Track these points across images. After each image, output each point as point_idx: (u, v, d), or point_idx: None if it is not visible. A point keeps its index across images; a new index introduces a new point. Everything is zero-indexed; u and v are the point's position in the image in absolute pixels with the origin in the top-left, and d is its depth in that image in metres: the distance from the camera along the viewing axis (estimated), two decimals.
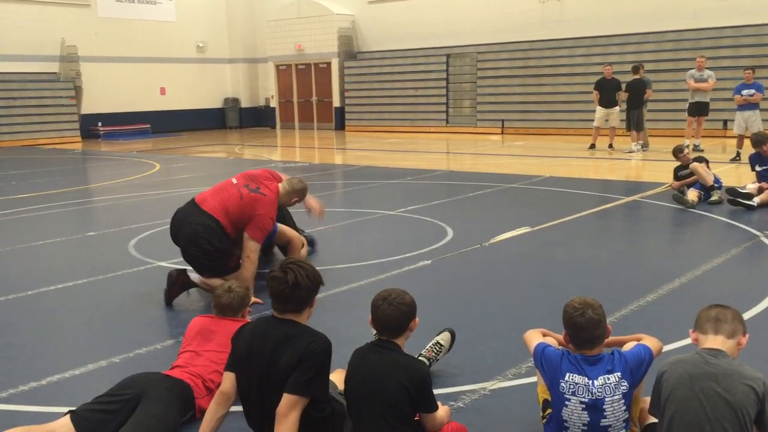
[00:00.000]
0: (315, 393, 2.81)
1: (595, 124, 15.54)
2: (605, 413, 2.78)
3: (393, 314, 2.89)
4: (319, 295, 3.01)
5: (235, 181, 5.47)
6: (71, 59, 21.91)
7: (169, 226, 5.51)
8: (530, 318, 4.38)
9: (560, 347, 3.00)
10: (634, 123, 14.74)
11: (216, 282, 4.99)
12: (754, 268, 6.12)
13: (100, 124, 22.64)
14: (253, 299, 4.86)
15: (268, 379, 2.84)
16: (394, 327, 2.91)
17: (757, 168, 8.91)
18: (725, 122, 16.52)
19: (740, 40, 17.37)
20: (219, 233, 5.20)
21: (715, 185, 8.80)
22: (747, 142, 10.93)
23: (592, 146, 15.39)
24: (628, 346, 3.01)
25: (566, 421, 2.82)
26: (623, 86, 15.06)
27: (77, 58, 21.93)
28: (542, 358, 2.92)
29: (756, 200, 8.28)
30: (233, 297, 3.78)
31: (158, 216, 8.14)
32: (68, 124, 21.95)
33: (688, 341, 4.01)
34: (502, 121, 21.02)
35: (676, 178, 9.26)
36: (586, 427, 2.79)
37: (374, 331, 3.01)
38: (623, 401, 2.80)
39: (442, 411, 2.97)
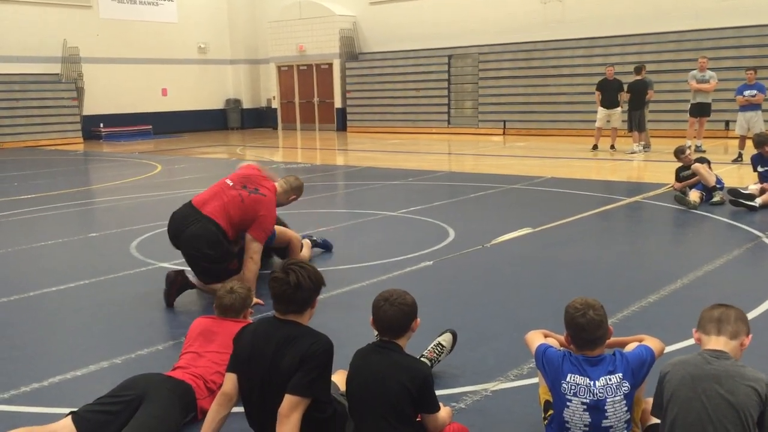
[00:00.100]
0: (317, 394, 2.81)
1: (596, 124, 15.54)
2: (607, 414, 2.77)
3: (395, 315, 2.89)
4: (320, 296, 3.01)
5: (230, 182, 5.41)
6: (73, 60, 21.94)
7: (167, 229, 5.44)
8: (532, 319, 4.37)
9: (562, 348, 3.00)
10: (636, 124, 14.73)
11: (216, 286, 4.99)
12: (756, 269, 6.11)
13: (101, 125, 22.67)
14: (255, 300, 4.85)
15: (270, 380, 2.84)
16: (395, 328, 2.91)
17: (759, 169, 8.90)
18: (727, 123, 16.50)
19: (742, 41, 17.36)
20: (220, 237, 5.18)
21: (717, 186, 8.79)
22: (749, 143, 10.93)
23: (595, 147, 15.38)
24: (630, 347, 3.00)
25: (568, 422, 2.82)
26: (625, 87, 15.05)
27: (79, 59, 21.96)
28: (544, 359, 2.91)
29: (758, 201, 8.27)
30: (235, 298, 3.78)
31: (160, 217, 8.14)
32: (70, 125, 21.99)
33: (689, 342, 4.01)
34: (504, 122, 21.01)
35: (678, 179, 9.26)
36: (587, 428, 2.79)
37: (375, 332, 3.01)
38: (625, 402, 2.80)
39: (444, 412, 2.97)
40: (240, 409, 3.05)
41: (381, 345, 2.94)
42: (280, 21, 25.03)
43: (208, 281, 5.19)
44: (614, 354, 2.88)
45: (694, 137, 14.58)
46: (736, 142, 13.55)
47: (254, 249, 5.29)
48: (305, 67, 25.27)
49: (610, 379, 2.79)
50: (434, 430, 2.92)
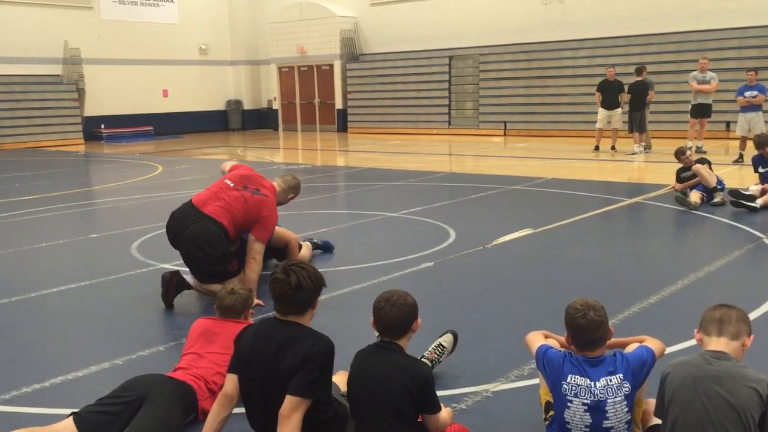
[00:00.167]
0: (318, 395, 2.82)
1: (597, 125, 15.54)
2: (607, 415, 2.77)
3: (396, 315, 2.89)
4: (321, 297, 3.02)
5: (231, 183, 5.42)
6: (74, 61, 21.97)
7: (165, 228, 5.42)
8: (532, 320, 4.38)
9: (562, 349, 3.00)
10: (637, 124, 14.73)
11: (214, 287, 4.99)
12: (757, 270, 6.11)
13: (102, 126, 22.68)
14: (256, 301, 4.86)
15: (271, 381, 2.84)
16: (396, 328, 2.91)
17: (760, 170, 8.90)
18: (728, 124, 16.50)
19: (744, 42, 17.36)
20: (222, 237, 5.18)
21: (718, 187, 8.79)
22: (750, 144, 10.93)
23: (596, 148, 15.38)
24: (631, 348, 3.01)
25: (569, 423, 2.82)
26: (626, 88, 15.05)
27: (80, 60, 21.99)
28: (544, 360, 2.92)
29: (759, 202, 8.27)
30: (236, 299, 3.79)
31: (161, 218, 8.11)
32: (71, 127, 22.01)
33: (690, 343, 4.01)
34: (505, 123, 21.01)
35: (679, 179, 9.26)
36: (588, 429, 2.79)
37: (376, 333, 3.01)
38: (625, 403, 2.80)
39: (445, 413, 2.97)
40: (241, 409, 3.06)
41: (382, 346, 2.94)
42: (280, 22, 25.04)
43: (207, 282, 5.18)
44: (615, 355, 2.88)
45: (695, 138, 14.57)
46: (736, 143, 13.54)
47: (257, 249, 5.31)
48: (306, 68, 25.28)
49: (610, 380, 2.79)
50: (435, 431, 2.92)
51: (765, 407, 2.49)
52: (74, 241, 7.81)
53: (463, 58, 22.03)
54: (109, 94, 22.85)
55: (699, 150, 13.98)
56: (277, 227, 5.82)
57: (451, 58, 22.13)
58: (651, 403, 3.00)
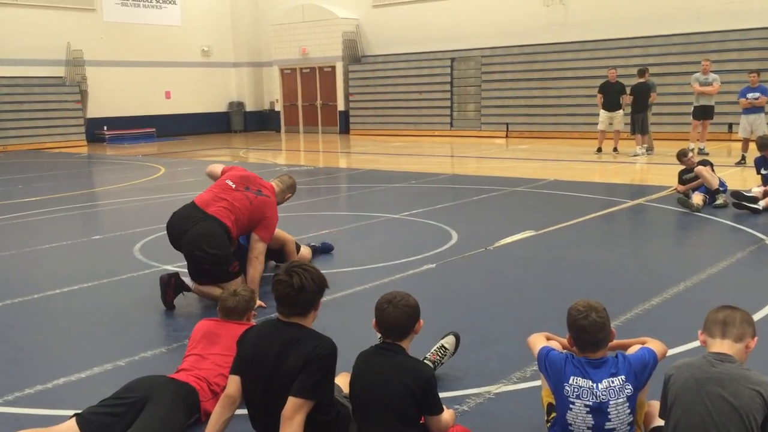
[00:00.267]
0: (320, 396, 2.82)
1: (599, 127, 15.53)
2: (609, 416, 2.77)
3: (398, 317, 2.90)
4: (323, 299, 3.02)
5: (232, 184, 5.43)
6: (77, 63, 22.01)
7: (166, 229, 5.42)
8: (534, 321, 4.38)
9: (564, 351, 3.00)
10: (639, 126, 14.72)
11: (214, 290, 4.99)
12: (759, 272, 6.10)
13: (105, 128, 22.72)
14: (258, 303, 4.86)
15: (273, 383, 2.85)
16: (399, 329, 2.92)
17: (763, 171, 8.89)
18: (730, 125, 16.48)
19: (746, 44, 17.34)
20: (225, 237, 5.20)
21: (720, 189, 8.78)
22: (752, 146, 10.91)
23: (599, 150, 15.37)
24: (633, 350, 3.01)
25: (571, 425, 2.82)
26: (627, 90, 15.05)
27: (83, 62, 22.03)
28: (546, 362, 2.92)
29: (761, 204, 8.26)
30: (238, 300, 3.79)
31: (163, 220, 8.11)
32: (74, 128, 22.03)
33: (692, 345, 4.02)
34: (507, 124, 21.01)
35: (681, 181, 9.25)
36: (590, 430, 2.79)
37: (378, 335, 3.01)
38: (627, 404, 2.80)
39: (447, 414, 2.98)
40: (243, 411, 3.06)
41: (384, 347, 2.94)
42: (283, 24, 25.06)
43: (207, 283, 5.18)
44: (617, 356, 2.88)
45: (697, 140, 14.56)
46: (739, 144, 13.53)
47: (260, 249, 5.34)
48: (308, 70, 25.30)
49: (612, 382, 2.79)
50: None
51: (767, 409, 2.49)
52: (77, 242, 7.82)
53: (465, 60, 22.03)
54: (111, 96, 22.89)
55: (701, 152, 13.96)
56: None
57: (453, 59, 22.13)
58: (653, 404, 3.00)
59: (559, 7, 20.02)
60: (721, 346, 2.65)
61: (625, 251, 6.91)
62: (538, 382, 3.41)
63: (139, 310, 5.24)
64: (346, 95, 24.43)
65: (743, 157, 12.70)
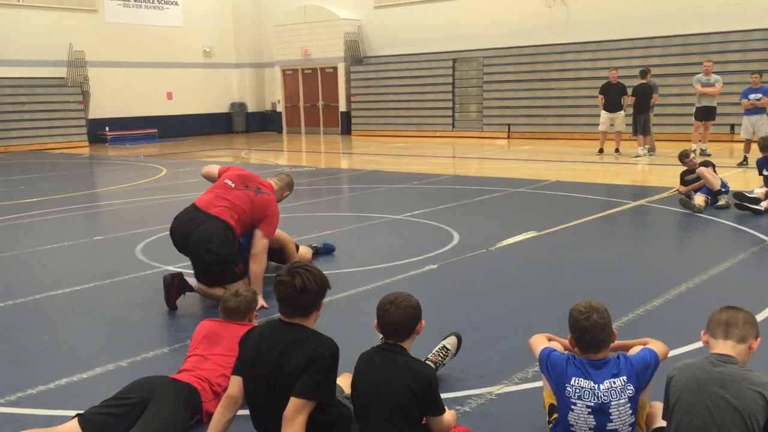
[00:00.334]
0: (322, 397, 2.82)
1: (600, 128, 15.52)
2: (611, 417, 2.77)
3: (400, 317, 2.90)
4: (325, 299, 3.02)
5: (232, 184, 5.46)
6: (79, 64, 22.04)
7: (170, 233, 5.44)
8: (536, 322, 4.38)
9: (566, 352, 3.00)
10: (641, 127, 14.71)
11: (217, 291, 5.00)
12: (762, 273, 6.09)
13: (107, 128, 22.74)
14: (260, 303, 4.87)
15: (275, 383, 2.85)
16: (401, 330, 2.92)
17: (765, 172, 8.88)
18: (732, 126, 16.46)
19: (748, 45, 17.33)
20: (230, 236, 5.22)
21: (722, 190, 8.77)
22: (754, 147, 10.91)
23: (601, 151, 15.37)
24: (634, 350, 3.01)
25: (572, 426, 2.82)
26: (629, 91, 15.05)
27: (85, 63, 22.05)
28: (548, 363, 2.92)
29: (763, 205, 8.25)
30: (240, 301, 3.80)
31: (165, 220, 8.13)
32: (76, 129, 22.05)
33: (694, 346, 4.02)
34: (509, 125, 21.00)
35: (683, 182, 9.25)
36: (592, 431, 2.79)
37: (380, 335, 3.02)
38: (629, 405, 2.80)
39: (449, 415, 2.98)
40: (245, 411, 3.06)
41: (386, 348, 2.95)
42: (284, 25, 25.07)
43: (213, 284, 5.19)
44: (618, 357, 2.88)
45: (699, 141, 14.55)
46: (741, 145, 13.53)
47: (263, 245, 5.37)
48: (310, 71, 25.31)
49: (614, 382, 2.79)
50: None
51: None
52: (79, 243, 7.83)
53: (466, 61, 22.03)
54: (113, 97, 22.91)
55: (703, 153, 13.95)
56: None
57: (454, 60, 22.14)
58: (654, 405, 3.00)
59: (560, 8, 20.02)
60: (724, 347, 2.64)
61: (627, 252, 6.91)
62: (539, 383, 3.41)
63: (140, 311, 5.24)
64: (348, 96, 24.43)
65: (745, 158, 12.69)
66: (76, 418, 3.15)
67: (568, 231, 7.67)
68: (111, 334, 4.83)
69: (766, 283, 5.68)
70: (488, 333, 4.58)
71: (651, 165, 13.80)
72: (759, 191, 8.63)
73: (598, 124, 15.70)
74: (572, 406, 2.81)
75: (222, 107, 26.52)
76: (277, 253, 6.05)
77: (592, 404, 2.78)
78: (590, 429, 2.79)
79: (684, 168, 9.35)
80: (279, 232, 5.96)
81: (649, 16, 18.56)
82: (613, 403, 2.77)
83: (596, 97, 15.89)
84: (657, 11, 18.45)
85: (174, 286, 5.18)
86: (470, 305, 5.26)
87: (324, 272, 3.00)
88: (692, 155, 9.50)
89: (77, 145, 21.71)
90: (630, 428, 2.82)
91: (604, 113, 15.32)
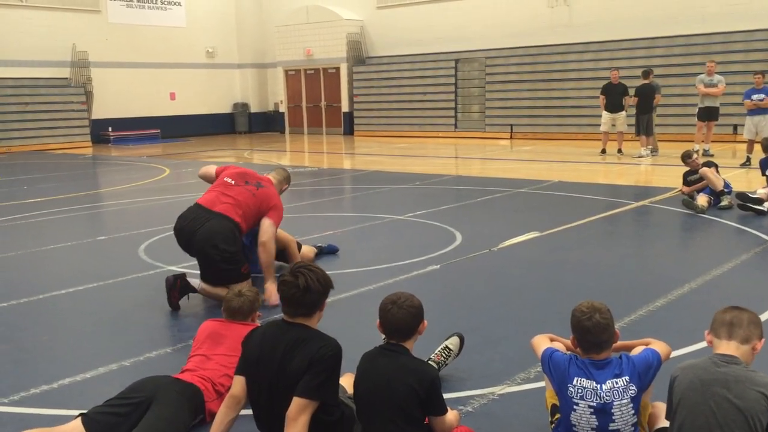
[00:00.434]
0: (325, 397, 2.83)
1: (601, 129, 15.51)
2: (614, 417, 2.77)
3: (403, 317, 2.90)
4: (328, 299, 3.03)
5: (232, 181, 5.50)
6: (82, 65, 22.07)
7: (174, 232, 5.45)
8: (539, 323, 4.38)
9: (568, 352, 3.00)
10: (644, 128, 14.70)
11: (220, 290, 5.01)
12: (764, 274, 6.08)
13: (110, 129, 22.78)
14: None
15: (278, 383, 2.86)
16: (403, 330, 2.92)
17: None
18: (735, 127, 16.45)
19: (751, 45, 17.31)
20: (236, 234, 5.26)
21: (725, 190, 8.77)
22: (757, 147, 10.90)
23: (603, 151, 15.36)
24: (637, 351, 3.01)
25: (575, 426, 2.82)
26: (630, 91, 15.03)
27: (88, 63, 22.09)
28: (550, 363, 2.92)
29: (766, 205, 8.24)
30: (243, 301, 3.80)
31: (168, 220, 8.15)
32: (79, 129, 22.09)
33: (696, 347, 4.02)
34: (511, 125, 21.00)
35: (686, 183, 9.24)
36: (594, 431, 2.79)
37: (383, 335, 3.02)
38: (632, 405, 2.80)
39: (452, 415, 2.98)
40: (248, 411, 3.07)
41: (388, 348, 2.95)
42: (287, 25, 25.09)
43: (218, 284, 5.19)
44: (621, 357, 2.88)
45: (702, 141, 14.54)
46: (744, 146, 13.50)
47: (271, 233, 5.42)
48: (312, 71, 25.33)
49: (616, 383, 2.79)
50: None
51: None
52: (82, 243, 7.84)
53: (469, 61, 22.03)
54: (116, 97, 22.94)
55: (706, 153, 13.94)
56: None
57: (457, 61, 22.14)
58: (657, 405, 3.00)
59: (563, 9, 20.01)
60: (728, 347, 2.64)
61: (630, 252, 6.90)
62: (542, 383, 3.41)
63: (143, 311, 5.25)
64: (351, 96, 24.44)
65: (748, 159, 12.68)
66: (79, 418, 3.16)
67: (570, 231, 7.67)
68: (114, 333, 4.84)
69: None
70: (490, 333, 4.58)
71: (654, 165, 13.79)
72: (762, 192, 8.61)
73: (600, 125, 15.69)
74: (574, 407, 2.81)
75: (225, 108, 26.54)
76: (280, 252, 6.06)
77: (595, 404, 2.78)
78: (592, 429, 2.79)
79: (687, 168, 9.34)
80: (281, 232, 5.98)
81: (651, 17, 18.54)
82: (615, 403, 2.77)
83: (598, 97, 15.89)
84: (659, 11, 18.43)
85: (176, 287, 5.19)
86: (473, 305, 5.26)
87: (326, 272, 3.01)
88: (695, 156, 9.49)
89: (80, 145, 21.74)
90: (632, 428, 2.82)
91: (605, 114, 15.31)
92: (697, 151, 11.50)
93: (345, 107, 24.73)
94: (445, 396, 3.02)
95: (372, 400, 2.86)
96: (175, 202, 10.04)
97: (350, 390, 3.13)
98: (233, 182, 5.48)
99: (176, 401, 3.24)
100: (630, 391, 2.79)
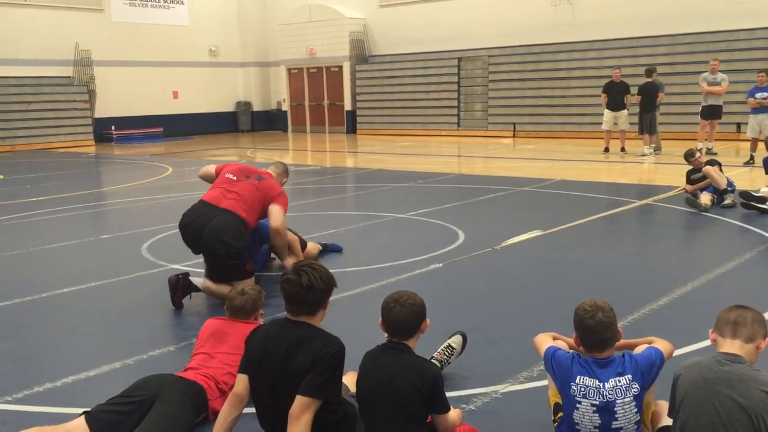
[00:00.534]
0: (328, 395, 2.83)
1: (603, 127, 15.50)
2: (616, 415, 2.77)
3: (405, 316, 2.90)
4: (330, 298, 3.03)
5: (233, 177, 5.57)
6: (85, 63, 22.10)
7: (179, 230, 5.48)
8: (541, 321, 4.38)
9: (571, 350, 3.00)
10: (647, 126, 14.68)
11: (223, 289, 5.03)
12: None
13: (113, 127, 22.81)
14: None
15: (281, 381, 2.86)
16: (405, 328, 2.92)
17: None
18: (738, 125, 16.42)
19: (754, 43, 17.28)
20: (243, 230, 5.31)
21: (729, 188, 8.75)
22: (761, 145, 10.89)
23: (606, 150, 15.34)
24: (639, 349, 3.00)
25: (578, 424, 2.82)
26: (632, 90, 15.01)
27: (91, 62, 22.12)
28: (553, 362, 2.92)
29: None
30: (246, 299, 3.80)
31: (171, 219, 8.17)
32: (82, 128, 22.13)
33: (699, 345, 4.01)
34: (514, 124, 20.99)
35: (689, 181, 9.23)
36: (597, 430, 2.79)
37: (385, 334, 3.02)
38: (634, 404, 2.80)
39: (454, 413, 2.98)
40: (251, 409, 3.07)
41: (391, 346, 2.95)
42: (290, 24, 25.10)
43: (224, 281, 5.20)
44: (623, 356, 2.88)
45: (706, 140, 14.52)
46: (747, 144, 13.49)
47: (281, 219, 5.54)
48: (315, 70, 25.33)
49: (619, 381, 2.79)
50: (445, 431, 2.93)
51: None
52: (85, 241, 7.86)
53: (472, 60, 22.02)
54: (119, 96, 22.98)
55: (709, 151, 13.93)
56: None
57: (460, 59, 22.12)
58: (660, 404, 3.00)
59: (566, 7, 19.98)
60: (732, 346, 2.63)
61: (633, 251, 6.89)
62: (544, 382, 3.41)
63: (147, 309, 5.26)
64: (353, 95, 24.45)
65: (751, 157, 12.66)
66: (82, 416, 3.16)
67: (573, 230, 7.67)
68: (117, 332, 4.84)
69: None
70: (493, 332, 4.58)
71: (657, 164, 13.77)
72: (765, 190, 8.59)
73: (602, 123, 15.67)
74: (577, 405, 2.81)
75: (227, 106, 26.56)
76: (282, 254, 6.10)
77: (597, 403, 2.78)
78: (595, 427, 2.79)
79: (690, 167, 9.32)
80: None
81: (654, 15, 18.51)
82: (618, 401, 2.77)
83: (601, 96, 15.86)
84: (662, 10, 18.41)
85: (179, 287, 5.20)
86: (475, 304, 5.26)
87: (329, 270, 3.01)
88: (698, 154, 9.48)
89: (83, 143, 21.77)
90: (635, 427, 2.82)
91: (607, 112, 15.30)
92: (700, 150, 11.48)
93: (348, 106, 24.74)
94: (448, 394, 3.02)
95: (375, 399, 2.87)
96: (178, 200, 10.05)
97: (353, 388, 3.13)
98: (235, 178, 5.54)
99: (179, 399, 3.25)
100: (633, 390, 2.79)
